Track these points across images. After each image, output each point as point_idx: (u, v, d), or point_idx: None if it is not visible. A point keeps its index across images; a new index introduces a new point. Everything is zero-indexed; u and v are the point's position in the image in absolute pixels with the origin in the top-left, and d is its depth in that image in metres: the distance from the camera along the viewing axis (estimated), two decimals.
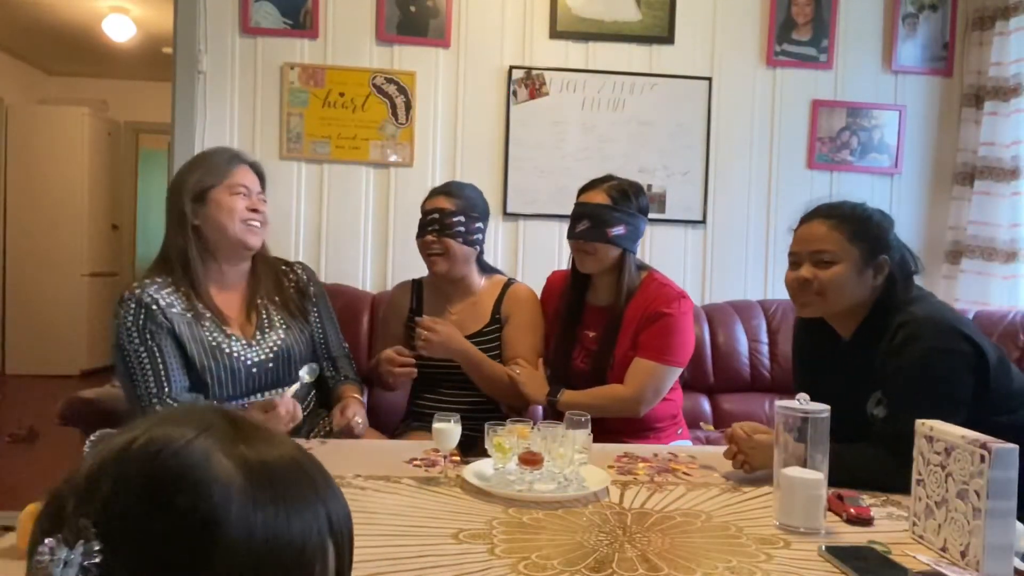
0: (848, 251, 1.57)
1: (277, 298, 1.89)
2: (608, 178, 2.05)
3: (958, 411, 1.42)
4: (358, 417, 1.81)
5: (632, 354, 1.97)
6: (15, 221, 6.08)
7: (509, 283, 2.17)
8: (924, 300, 1.60)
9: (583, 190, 2.05)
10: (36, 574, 0.45)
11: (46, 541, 0.46)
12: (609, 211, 1.96)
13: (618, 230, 1.96)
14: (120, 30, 5.26)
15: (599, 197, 1.99)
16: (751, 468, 1.53)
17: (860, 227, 1.59)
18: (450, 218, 2.01)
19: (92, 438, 1.30)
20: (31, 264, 6.09)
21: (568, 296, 2.09)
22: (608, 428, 1.94)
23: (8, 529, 1.10)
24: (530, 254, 3.17)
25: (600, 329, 2.03)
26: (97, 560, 0.45)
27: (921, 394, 1.45)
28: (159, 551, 0.47)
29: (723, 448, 1.61)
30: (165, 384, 1.68)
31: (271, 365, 1.81)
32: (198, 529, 0.47)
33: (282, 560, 0.50)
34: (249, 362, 1.78)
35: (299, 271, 1.99)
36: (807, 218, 1.66)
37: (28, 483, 3.40)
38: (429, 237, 2.01)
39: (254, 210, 1.80)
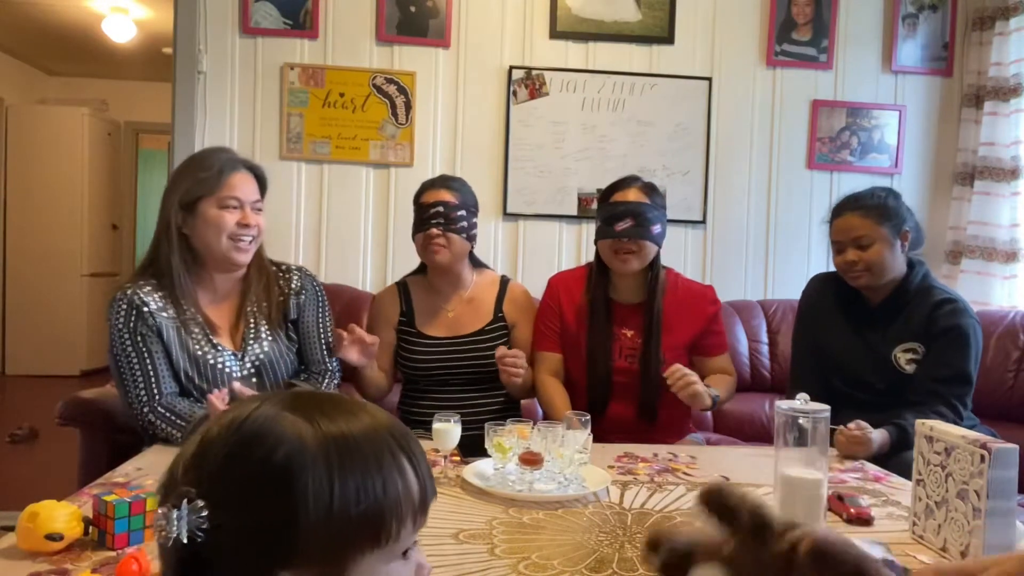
0: (880, 232, 1.93)
1: (265, 306, 1.80)
2: (635, 177, 2.05)
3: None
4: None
5: (681, 350, 2.03)
6: (15, 221, 6.08)
7: (504, 280, 2.16)
8: (932, 276, 2.03)
9: (613, 190, 2.04)
10: (157, 537, 0.56)
11: (158, 511, 0.57)
12: (649, 208, 1.97)
13: (657, 227, 1.98)
14: (120, 30, 5.25)
15: (635, 195, 1.99)
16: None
17: (883, 210, 1.95)
18: (454, 212, 1.98)
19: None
20: (31, 264, 6.08)
21: (596, 295, 2.06)
22: (659, 426, 2.00)
23: (8, 529, 1.09)
24: (530, 254, 3.17)
25: (637, 327, 2.03)
26: (204, 514, 0.55)
27: (965, 354, 1.89)
28: (251, 502, 0.57)
29: (723, 449, 1.61)
30: (155, 391, 1.63)
31: (254, 380, 1.74)
32: (278, 474, 0.56)
33: (359, 511, 0.58)
34: (235, 375, 1.72)
35: (295, 278, 1.87)
36: (838, 211, 2.01)
37: (28, 483, 3.40)
38: (434, 231, 1.97)
39: (246, 224, 1.71)
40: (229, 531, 0.56)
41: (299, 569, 0.57)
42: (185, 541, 0.55)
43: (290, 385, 1.81)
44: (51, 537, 1.04)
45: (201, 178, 1.70)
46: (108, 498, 1.09)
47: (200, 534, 0.55)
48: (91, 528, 1.10)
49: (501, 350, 1.90)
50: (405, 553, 0.62)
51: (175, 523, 0.55)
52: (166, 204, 1.71)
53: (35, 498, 1.09)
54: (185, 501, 0.56)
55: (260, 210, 1.77)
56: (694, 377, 1.81)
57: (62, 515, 1.06)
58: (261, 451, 0.57)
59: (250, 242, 1.74)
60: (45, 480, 3.26)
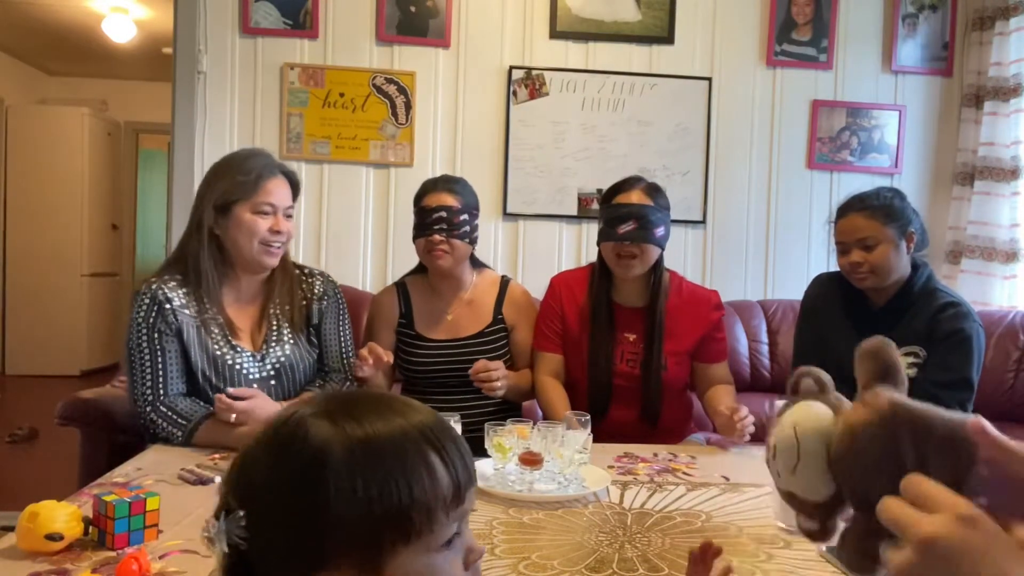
0: (885, 233, 1.91)
1: (288, 308, 1.82)
2: (639, 178, 2.01)
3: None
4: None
5: (684, 356, 2.01)
6: (15, 221, 6.08)
7: (505, 281, 2.13)
8: (936, 279, 2.01)
9: (616, 191, 1.99)
10: (207, 545, 0.59)
11: (206, 522, 0.59)
12: (653, 211, 1.93)
13: (660, 231, 1.94)
14: (120, 30, 5.25)
15: (638, 197, 1.95)
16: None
17: (889, 211, 1.92)
18: (457, 216, 1.94)
19: None
20: (31, 264, 6.08)
21: (598, 298, 2.02)
22: (661, 429, 1.99)
23: (8, 529, 1.09)
24: (530, 254, 3.17)
25: (640, 331, 2.01)
26: (243, 524, 0.58)
27: (968, 359, 1.88)
28: (283, 506, 0.58)
29: (722, 451, 1.61)
30: (160, 389, 1.65)
31: (273, 382, 1.75)
32: (305, 479, 0.58)
33: (384, 510, 0.58)
34: (252, 376, 1.73)
35: (317, 284, 1.89)
36: (843, 212, 1.98)
37: (28, 483, 3.40)
38: (436, 237, 1.93)
39: (277, 231, 1.73)
40: (266, 535, 0.58)
41: (336, 569, 0.58)
42: (226, 550, 0.57)
43: (305, 391, 1.82)
44: (51, 537, 1.04)
45: (239, 181, 1.72)
46: (108, 498, 1.09)
47: (242, 542, 0.58)
48: (91, 528, 1.10)
49: (476, 366, 1.85)
50: (450, 542, 0.62)
51: (217, 534, 0.58)
52: (200, 203, 1.73)
53: (35, 498, 1.09)
54: (224, 513, 0.58)
55: (291, 216, 1.79)
56: (752, 426, 1.77)
57: (62, 515, 1.06)
58: (290, 457, 0.59)
59: (279, 247, 1.76)
60: (45, 480, 3.26)
